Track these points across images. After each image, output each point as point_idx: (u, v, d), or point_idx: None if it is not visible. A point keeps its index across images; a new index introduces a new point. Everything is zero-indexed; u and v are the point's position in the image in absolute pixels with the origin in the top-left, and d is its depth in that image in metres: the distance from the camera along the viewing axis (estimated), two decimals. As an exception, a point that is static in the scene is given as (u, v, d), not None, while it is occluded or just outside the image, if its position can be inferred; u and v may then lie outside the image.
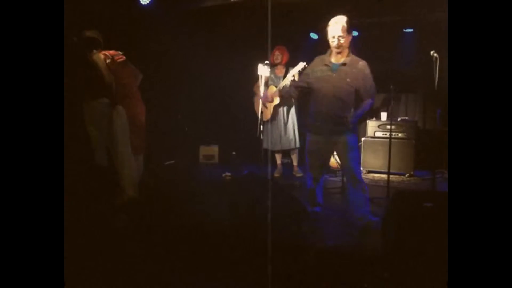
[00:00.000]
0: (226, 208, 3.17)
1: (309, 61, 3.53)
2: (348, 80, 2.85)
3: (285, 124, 4.95)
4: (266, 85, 4.86)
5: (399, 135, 5.16)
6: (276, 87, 4.81)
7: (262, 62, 3.79)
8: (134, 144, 3.54)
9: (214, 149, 6.19)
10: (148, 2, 4.77)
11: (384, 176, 4.28)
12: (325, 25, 2.89)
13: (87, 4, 3.78)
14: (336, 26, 2.83)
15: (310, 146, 3.04)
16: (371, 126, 5.35)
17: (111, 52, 3.51)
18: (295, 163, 5.15)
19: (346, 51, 2.91)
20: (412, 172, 5.07)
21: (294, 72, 3.81)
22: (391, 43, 5.55)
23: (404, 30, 5.59)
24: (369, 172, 5.23)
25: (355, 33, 4.45)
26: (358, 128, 4.31)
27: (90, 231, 2.83)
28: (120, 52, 3.55)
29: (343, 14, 2.87)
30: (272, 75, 4.90)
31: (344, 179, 4.28)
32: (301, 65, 3.59)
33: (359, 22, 4.90)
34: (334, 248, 2.68)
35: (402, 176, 5.07)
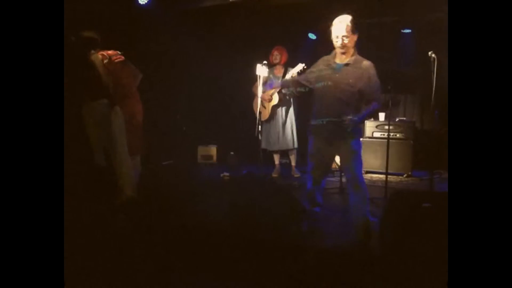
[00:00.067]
0: (224, 208, 3.17)
1: (307, 61, 3.52)
2: (350, 80, 2.75)
3: (284, 124, 4.95)
4: (265, 85, 4.86)
5: (397, 135, 5.18)
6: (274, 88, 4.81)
7: (261, 62, 3.80)
8: (131, 144, 3.53)
9: (212, 149, 6.19)
10: (146, 2, 4.77)
11: (382, 176, 4.29)
12: (328, 24, 2.83)
13: (86, 4, 3.77)
14: (340, 26, 2.74)
15: (312, 149, 2.96)
16: (369, 126, 5.37)
17: (110, 52, 3.50)
18: (293, 163, 5.16)
19: (351, 51, 2.81)
20: (410, 173, 5.08)
21: (293, 73, 3.81)
22: (389, 44, 5.56)
23: (402, 31, 5.61)
24: (367, 172, 5.24)
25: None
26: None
27: (90, 231, 2.82)
28: (119, 52, 3.55)
29: (347, 13, 2.80)
30: (271, 75, 4.91)
31: (344, 179, 4.29)
32: (300, 66, 3.57)
33: (358, 22, 4.90)
34: (334, 248, 2.69)
35: (400, 177, 5.08)
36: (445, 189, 3.90)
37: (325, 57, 2.95)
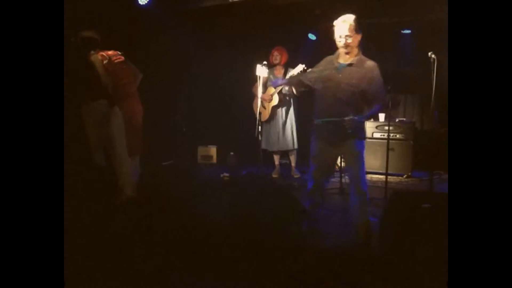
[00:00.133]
0: (224, 209, 3.17)
1: (307, 62, 3.52)
2: (353, 81, 2.69)
3: (284, 124, 4.95)
4: (265, 86, 4.86)
5: (397, 136, 5.18)
6: (274, 88, 4.81)
7: (261, 62, 3.80)
8: (130, 145, 3.53)
9: (212, 150, 6.18)
10: (146, 2, 4.77)
11: (382, 177, 4.29)
12: (331, 24, 2.80)
13: (86, 4, 3.77)
14: (343, 25, 2.68)
15: (314, 151, 2.90)
16: (369, 127, 5.37)
17: (110, 52, 3.50)
18: (293, 164, 5.15)
19: (354, 51, 2.74)
20: (410, 173, 5.08)
21: (293, 73, 3.81)
22: (389, 44, 5.56)
23: (402, 31, 5.61)
24: (367, 173, 5.23)
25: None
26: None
27: (90, 231, 2.82)
28: (119, 52, 3.55)
29: (351, 13, 2.74)
30: (271, 76, 4.91)
31: (344, 180, 4.30)
32: (300, 67, 3.57)
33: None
34: (334, 248, 2.69)
35: (400, 177, 5.08)
36: (445, 189, 3.90)
37: (329, 57, 2.90)
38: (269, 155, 5.13)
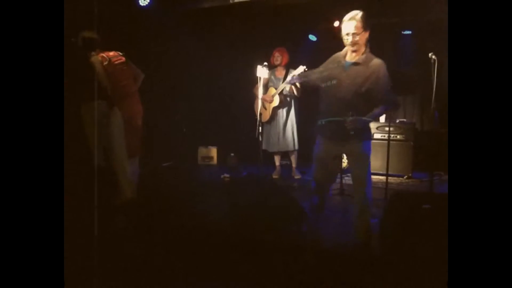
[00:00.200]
0: (225, 209, 3.17)
1: (307, 63, 3.52)
2: (357, 80, 2.58)
3: (284, 125, 4.95)
4: (266, 87, 4.86)
5: (397, 137, 5.18)
6: (275, 89, 4.81)
7: (261, 63, 3.80)
8: (129, 145, 3.53)
9: (212, 150, 6.18)
10: (147, 3, 4.78)
11: (383, 177, 4.29)
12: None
13: (86, 4, 3.77)
14: (351, 23, 2.59)
15: (317, 151, 2.81)
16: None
17: (110, 53, 3.50)
18: (293, 164, 5.15)
19: (362, 48, 2.64)
20: (410, 174, 5.09)
21: (294, 74, 3.81)
22: (389, 45, 5.56)
23: (402, 32, 5.61)
24: (368, 173, 5.24)
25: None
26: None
27: (90, 231, 2.82)
28: (120, 53, 3.55)
29: (358, 9, 2.67)
30: (272, 77, 4.91)
31: (344, 181, 4.29)
32: (300, 68, 3.57)
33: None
34: (334, 248, 2.69)
35: (400, 178, 5.08)
36: (445, 190, 3.90)
37: (336, 55, 2.80)
38: (269, 156, 5.13)
